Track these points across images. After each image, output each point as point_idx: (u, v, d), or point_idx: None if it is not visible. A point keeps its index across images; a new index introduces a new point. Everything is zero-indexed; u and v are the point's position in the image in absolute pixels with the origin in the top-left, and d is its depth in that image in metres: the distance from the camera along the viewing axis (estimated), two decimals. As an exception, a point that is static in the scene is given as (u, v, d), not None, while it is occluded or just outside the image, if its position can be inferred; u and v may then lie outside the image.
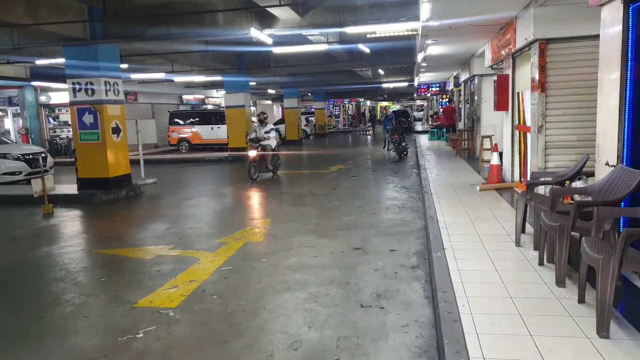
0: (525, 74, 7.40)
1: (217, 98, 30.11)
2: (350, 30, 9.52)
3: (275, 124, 29.61)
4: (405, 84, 25.72)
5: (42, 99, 19.82)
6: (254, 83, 23.48)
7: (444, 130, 19.82)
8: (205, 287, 4.45)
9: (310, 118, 32.56)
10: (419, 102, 50.80)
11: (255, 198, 9.48)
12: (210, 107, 29.34)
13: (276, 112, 41.21)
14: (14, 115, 20.31)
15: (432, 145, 17.96)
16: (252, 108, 33.02)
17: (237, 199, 9.78)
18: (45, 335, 3.64)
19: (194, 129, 21.15)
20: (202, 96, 29.20)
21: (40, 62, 12.78)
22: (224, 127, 19.04)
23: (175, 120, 21.63)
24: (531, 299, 3.44)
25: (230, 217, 7.90)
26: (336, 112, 43.41)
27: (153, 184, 11.58)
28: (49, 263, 5.57)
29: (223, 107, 21.06)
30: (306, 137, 29.42)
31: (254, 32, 8.96)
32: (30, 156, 11.55)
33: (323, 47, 11.93)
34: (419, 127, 32.48)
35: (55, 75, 15.61)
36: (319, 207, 8.11)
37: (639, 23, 3.72)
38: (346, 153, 18.74)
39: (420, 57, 12.45)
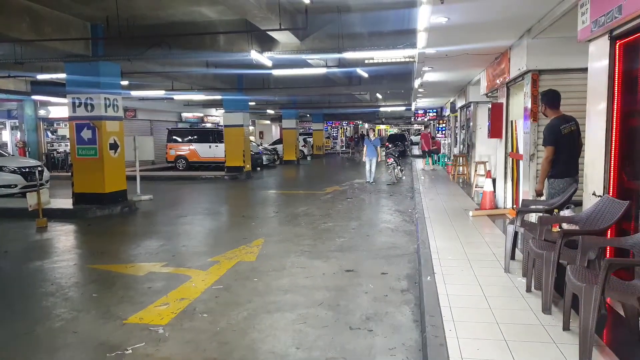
0: (519, 102, 7.56)
1: (216, 117, 30.36)
2: (349, 55, 9.73)
3: (272, 144, 29.92)
4: (403, 108, 26.06)
5: (42, 112, 19.96)
6: (253, 103, 23.76)
7: (440, 155, 20.17)
8: (196, 305, 4.47)
9: (308, 139, 32.81)
10: (416, 127, 51.32)
11: (249, 217, 9.52)
12: (208, 125, 29.56)
13: (274, 132, 41.50)
14: (12, 128, 20.40)
15: (428, 170, 18.11)
16: (251, 127, 33.30)
17: (232, 218, 9.81)
18: (34, 350, 3.64)
19: (191, 147, 21.25)
20: (201, 114, 29.45)
21: (41, 76, 12.95)
22: (221, 146, 19.15)
23: (174, 137, 21.75)
24: (517, 325, 3.48)
25: (224, 236, 7.93)
26: (334, 134, 43.79)
27: (148, 200, 11.61)
28: (40, 277, 5.57)
29: (222, 126, 21.23)
30: (303, 158, 29.61)
31: (254, 55, 9.14)
32: (27, 169, 11.59)
33: (322, 70, 12.15)
34: (415, 151, 32.75)
35: (55, 90, 15.77)
36: (313, 227, 8.15)
37: (624, 58, 3.86)
38: (342, 175, 18.86)
39: (417, 83, 12.68)
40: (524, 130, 7.00)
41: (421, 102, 22.07)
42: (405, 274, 5.39)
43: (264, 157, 23.32)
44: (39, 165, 12.10)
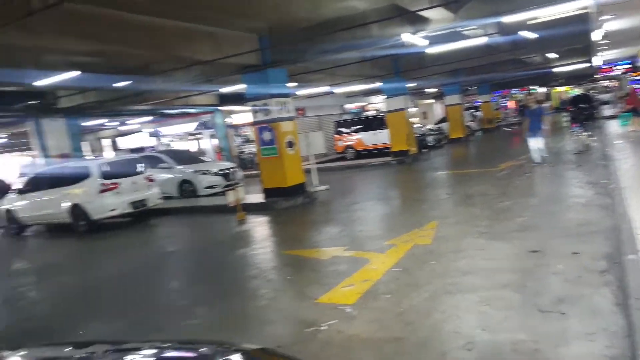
0: None
1: (377, 103, 30.83)
2: (509, 19, 8.97)
3: (437, 123, 29.12)
4: (583, 65, 22.84)
5: (229, 120, 22.92)
6: (412, 84, 23.48)
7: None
8: (378, 286, 4.73)
9: (475, 113, 31.01)
10: (604, 84, 44.42)
11: (420, 200, 9.54)
12: (371, 113, 30.18)
13: (438, 110, 40.31)
14: (210, 137, 23.89)
15: (624, 133, 15.62)
16: (413, 109, 32.91)
17: (403, 202, 9.96)
18: (248, 325, 4.32)
19: (357, 136, 21.99)
20: (363, 103, 30.20)
21: (225, 90, 14.88)
22: (385, 132, 19.41)
23: (340, 129, 22.78)
24: None
25: (397, 220, 8.12)
26: (503, 104, 40.56)
27: (325, 190, 12.48)
28: (245, 262, 6.52)
29: (383, 112, 21.50)
30: (472, 134, 28.13)
31: (407, 37, 9.07)
32: (225, 171, 13.52)
33: (481, 40, 11.43)
34: (607, 111, 28.41)
35: (238, 99, 17.94)
36: (489, 207, 7.81)
37: None
38: (519, 147, 17.46)
39: (597, 35, 11.01)
40: None
41: (608, 55, 19.07)
42: (602, 253, 4.84)
43: (430, 138, 22.86)
44: (233, 167, 14.00)
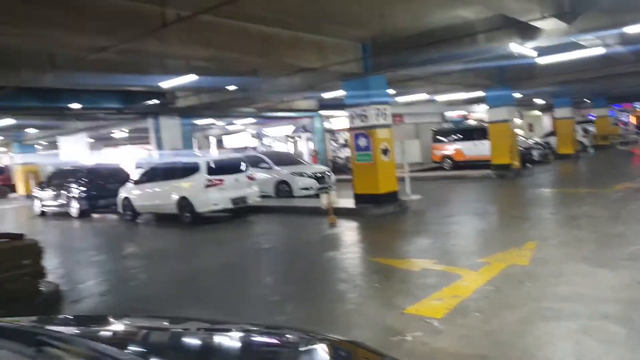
0: None
1: (479, 113, 29.61)
2: (633, 29, 8.20)
3: (544, 136, 27.27)
4: None
5: (326, 125, 23.49)
6: (518, 95, 22.26)
7: None
8: (468, 303, 4.64)
9: (588, 128, 28.55)
10: None
11: (519, 218, 9.07)
12: (472, 122, 29.08)
13: (546, 123, 37.68)
14: (307, 140, 24.71)
15: None
16: (518, 121, 31.13)
17: (501, 218, 9.55)
18: (335, 326, 4.48)
19: (456, 146, 21.35)
20: (464, 112, 29.20)
21: (325, 95, 15.33)
22: (487, 143, 18.62)
23: (438, 137, 22.28)
24: None
25: (493, 237, 7.82)
26: (624, 119, 36.83)
27: (418, 200, 12.32)
28: (333, 265, 6.71)
29: (486, 123, 20.65)
30: (583, 150, 25.94)
31: (515, 47, 8.69)
32: (319, 174, 13.93)
33: (599, 50, 10.55)
34: None
35: (336, 105, 18.36)
36: (597, 231, 7.22)
37: None
38: (638, 168, 15.83)
39: None
40: None
41: None
42: None
43: (535, 152, 21.51)
44: (327, 171, 14.37)
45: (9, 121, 16.63)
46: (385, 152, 11.31)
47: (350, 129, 11.68)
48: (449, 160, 21.52)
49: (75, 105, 14.25)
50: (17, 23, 6.07)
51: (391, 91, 14.48)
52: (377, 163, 11.12)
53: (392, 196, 11.37)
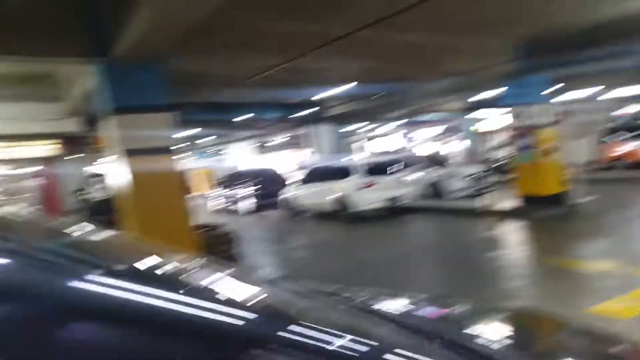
0: None
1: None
2: None
3: None
4: None
5: (478, 126, 22.58)
6: None
7: None
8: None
9: None
10: None
11: None
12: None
13: None
14: (459, 141, 24.14)
15: None
16: None
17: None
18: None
19: (634, 145, 18.76)
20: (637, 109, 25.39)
21: (477, 97, 14.84)
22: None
23: (611, 136, 19.81)
24: None
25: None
26: None
27: (590, 201, 11.16)
28: (499, 264, 6.53)
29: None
30: None
31: None
32: (474, 175, 13.48)
33: None
34: None
35: (489, 105, 17.55)
36: None
37: None
38: None
39: None
40: None
41: None
42: None
43: None
44: (483, 171, 13.84)
45: (193, 131, 19.45)
46: (549, 151, 10.56)
47: (512, 129, 11.16)
48: (625, 160, 18.97)
49: (245, 116, 16.08)
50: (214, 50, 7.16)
51: (554, 88, 13.38)
52: (541, 163, 10.44)
53: (559, 197, 10.54)
